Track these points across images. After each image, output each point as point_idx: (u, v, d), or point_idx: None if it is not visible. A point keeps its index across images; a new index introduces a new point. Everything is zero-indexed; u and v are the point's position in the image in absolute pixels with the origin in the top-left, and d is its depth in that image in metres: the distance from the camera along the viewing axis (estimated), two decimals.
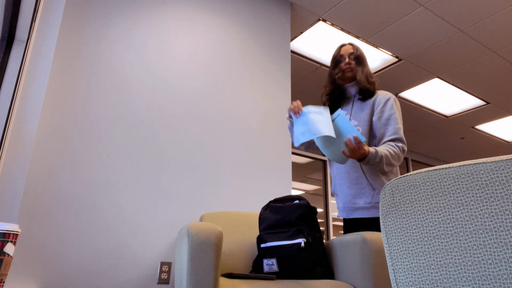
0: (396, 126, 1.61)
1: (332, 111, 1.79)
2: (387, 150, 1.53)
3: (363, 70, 1.73)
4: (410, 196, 0.68)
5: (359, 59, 1.75)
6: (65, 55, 2.02)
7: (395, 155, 1.54)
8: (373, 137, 1.67)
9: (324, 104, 1.84)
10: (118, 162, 2.01)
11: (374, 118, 1.65)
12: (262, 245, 1.57)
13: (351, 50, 1.77)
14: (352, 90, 1.77)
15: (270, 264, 1.52)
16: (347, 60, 1.75)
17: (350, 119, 1.71)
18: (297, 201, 1.67)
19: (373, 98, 1.70)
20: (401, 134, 1.60)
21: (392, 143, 1.58)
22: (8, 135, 1.77)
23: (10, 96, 1.89)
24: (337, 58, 1.79)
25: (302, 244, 1.48)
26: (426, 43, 3.60)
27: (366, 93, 1.71)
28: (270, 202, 1.75)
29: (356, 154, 1.46)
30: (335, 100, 1.80)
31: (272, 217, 1.64)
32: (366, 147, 1.49)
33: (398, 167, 1.70)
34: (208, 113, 2.41)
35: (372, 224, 1.62)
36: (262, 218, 1.70)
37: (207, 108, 2.41)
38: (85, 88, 2.03)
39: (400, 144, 1.58)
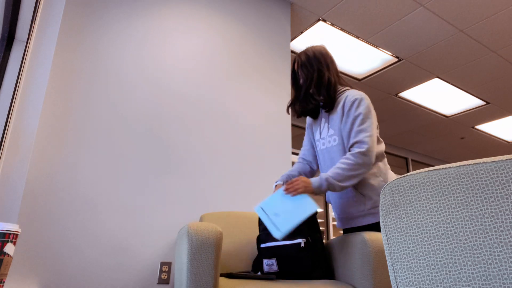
0: (357, 128, 1.46)
1: (314, 117, 1.72)
2: (337, 167, 1.42)
3: (311, 81, 1.58)
4: (410, 196, 0.68)
5: (305, 66, 1.60)
6: (65, 55, 2.02)
7: (348, 166, 1.41)
8: None
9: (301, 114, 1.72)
10: (118, 162, 2.01)
11: (341, 125, 1.53)
12: (262, 245, 1.56)
13: (296, 68, 1.66)
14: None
15: (270, 264, 1.52)
16: (301, 79, 1.64)
17: (328, 128, 1.61)
18: None
19: (342, 102, 1.56)
20: (361, 136, 1.44)
21: (348, 153, 1.45)
22: (8, 135, 1.77)
23: (10, 96, 1.89)
24: (295, 77, 1.69)
25: (302, 244, 1.47)
26: (426, 43, 3.60)
27: (328, 107, 1.59)
28: None
29: (301, 189, 1.41)
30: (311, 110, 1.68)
31: None
32: (306, 180, 1.42)
33: (386, 167, 1.60)
34: (208, 112, 2.41)
35: (369, 231, 1.59)
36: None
37: (207, 108, 2.41)
38: (85, 88, 2.03)
39: (356, 150, 1.43)
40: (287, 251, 1.49)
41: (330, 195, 1.71)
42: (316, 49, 1.64)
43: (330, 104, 1.58)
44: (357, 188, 1.54)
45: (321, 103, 1.61)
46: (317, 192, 1.45)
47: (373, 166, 1.54)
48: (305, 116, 1.74)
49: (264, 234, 1.60)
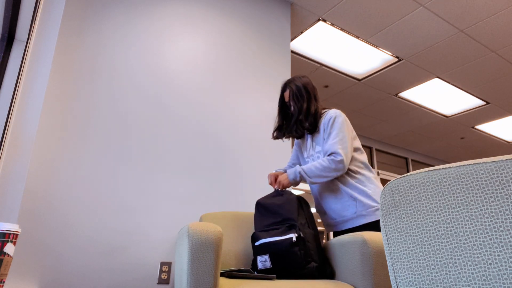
0: (332, 141, 1.69)
1: (299, 138, 1.93)
2: (312, 165, 1.67)
3: (301, 111, 1.80)
4: (410, 196, 0.68)
5: (297, 97, 1.81)
6: (65, 54, 2.02)
7: (321, 167, 1.64)
8: None
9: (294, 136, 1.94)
10: (118, 162, 2.01)
11: (324, 137, 1.77)
12: (256, 243, 1.58)
13: (288, 94, 1.85)
14: None
15: (263, 261, 1.53)
16: (291, 107, 1.84)
17: (315, 146, 1.81)
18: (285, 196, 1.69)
19: (323, 122, 1.79)
20: (335, 148, 1.66)
21: (326, 157, 1.67)
22: (8, 135, 1.77)
23: (10, 96, 1.89)
24: (283, 103, 1.89)
25: (294, 239, 1.49)
26: (426, 43, 3.60)
27: (310, 130, 1.82)
28: (259, 202, 1.74)
29: (280, 183, 1.71)
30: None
31: (268, 216, 1.65)
32: (285, 177, 1.71)
33: (374, 175, 1.77)
34: (208, 112, 2.41)
35: (360, 231, 1.66)
36: (256, 219, 1.71)
37: (207, 108, 2.41)
38: (85, 88, 2.03)
39: (330, 157, 1.65)
40: (279, 247, 1.51)
41: (323, 202, 1.81)
42: (304, 81, 1.86)
43: (314, 129, 1.82)
44: (350, 193, 1.70)
45: (307, 128, 1.83)
46: (293, 183, 1.70)
47: (358, 174, 1.74)
48: (287, 138, 1.96)
49: (257, 232, 1.61)
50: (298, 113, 1.80)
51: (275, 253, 1.51)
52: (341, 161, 1.64)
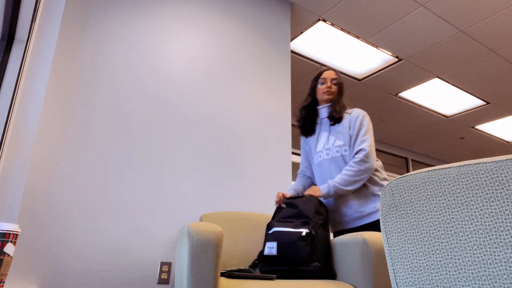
0: (362, 138, 1.76)
1: (306, 131, 1.95)
2: (342, 175, 1.70)
3: (338, 99, 1.88)
4: (410, 196, 0.68)
5: (340, 86, 1.90)
6: (65, 55, 2.02)
7: (352, 173, 1.69)
8: None
9: (298, 121, 1.98)
10: (118, 162, 2.01)
11: (350, 133, 1.82)
12: (270, 231, 1.64)
13: (334, 76, 1.91)
14: (324, 112, 1.91)
15: (270, 247, 1.58)
16: (329, 83, 1.88)
17: (335, 140, 1.83)
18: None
19: (348, 118, 1.84)
20: (364, 145, 1.73)
21: (351, 162, 1.72)
22: (8, 135, 1.77)
23: (10, 96, 1.89)
24: (319, 80, 1.92)
25: (303, 233, 1.53)
26: (426, 43, 3.60)
27: (336, 120, 1.85)
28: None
29: (314, 193, 1.71)
30: (308, 118, 1.94)
31: (288, 210, 1.72)
32: (317, 189, 1.72)
33: (383, 175, 1.81)
34: (208, 113, 2.41)
35: (377, 226, 1.71)
36: (278, 208, 1.78)
37: (207, 108, 2.41)
38: (85, 88, 2.03)
39: (359, 156, 1.71)
40: (288, 237, 1.55)
41: (336, 200, 1.83)
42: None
43: (338, 121, 1.86)
44: (371, 189, 1.75)
45: (325, 114, 1.89)
46: (325, 197, 1.72)
47: (381, 174, 1.80)
48: (306, 133, 1.96)
49: (273, 221, 1.68)
50: (338, 103, 1.86)
51: (283, 242, 1.56)
52: (367, 158, 1.70)
